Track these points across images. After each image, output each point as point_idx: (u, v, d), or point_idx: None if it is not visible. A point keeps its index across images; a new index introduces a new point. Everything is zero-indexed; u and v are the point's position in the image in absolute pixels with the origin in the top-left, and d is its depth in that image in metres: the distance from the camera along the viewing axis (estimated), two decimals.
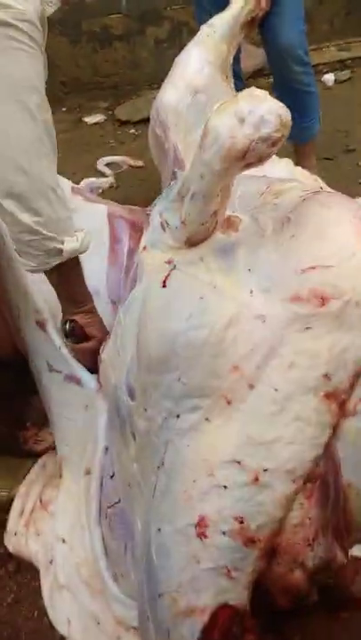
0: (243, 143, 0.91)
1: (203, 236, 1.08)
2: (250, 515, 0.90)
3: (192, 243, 1.09)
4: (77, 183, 3.03)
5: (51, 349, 1.34)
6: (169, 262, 1.09)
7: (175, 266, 1.07)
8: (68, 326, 1.29)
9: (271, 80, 2.43)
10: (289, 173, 1.61)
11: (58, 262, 1.12)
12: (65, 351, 1.33)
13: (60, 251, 1.11)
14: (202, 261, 1.06)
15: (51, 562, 1.33)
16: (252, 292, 1.00)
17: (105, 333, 1.29)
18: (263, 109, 0.92)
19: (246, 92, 0.94)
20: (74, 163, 3.37)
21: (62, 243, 1.10)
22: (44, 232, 1.06)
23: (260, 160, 0.94)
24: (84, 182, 3.04)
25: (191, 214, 1.04)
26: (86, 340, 1.29)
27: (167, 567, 0.93)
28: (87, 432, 1.32)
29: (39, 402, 1.74)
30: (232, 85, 1.81)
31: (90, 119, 3.91)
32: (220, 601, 0.89)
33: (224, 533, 0.90)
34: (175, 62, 1.71)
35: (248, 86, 1.02)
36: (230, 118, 0.92)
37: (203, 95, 1.64)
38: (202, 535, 0.91)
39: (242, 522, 0.90)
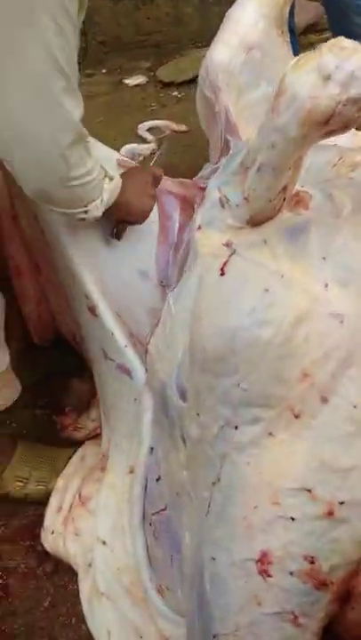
0: (327, 105, 0.75)
1: (268, 214, 0.92)
2: (322, 553, 0.77)
3: (255, 222, 0.93)
4: (118, 149, 2.89)
5: (104, 336, 1.24)
6: (228, 245, 0.94)
7: (235, 250, 0.92)
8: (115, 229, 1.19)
9: (324, 36, 2.23)
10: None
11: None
12: (118, 338, 1.23)
13: (83, 219, 1.04)
14: (266, 245, 0.91)
15: (90, 565, 1.23)
16: (326, 284, 0.84)
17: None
18: (354, 64, 0.74)
19: (332, 42, 0.77)
20: (114, 127, 3.21)
21: (86, 212, 1.02)
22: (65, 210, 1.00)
23: (347, 126, 0.78)
24: (125, 149, 2.89)
25: (257, 189, 0.88)
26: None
27: (223, 605, 0.81)
28: (135, 427, 1.21)
29: (80, 385, 1.64)
30: (288, 40, 1.62)
31: (131, 81, 3.72)
32: None
33: (291, 574, 0.77)
34: (227, 16, 1.53)
35: (300, 42, 0.84)
36: (312, 75, 0.76)
37: (257, 51, 1.46)
38: (264, 573, 0.78)
39: (313, 561, 0.77)
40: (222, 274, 0.89)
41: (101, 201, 1.04)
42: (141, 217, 1.19)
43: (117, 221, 1.18)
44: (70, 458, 1.46)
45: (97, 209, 1.03)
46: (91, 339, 1.32)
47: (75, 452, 1.48)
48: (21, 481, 1.41)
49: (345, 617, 0.79)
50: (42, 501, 1.39)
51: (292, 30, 2.04)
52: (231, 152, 1.09)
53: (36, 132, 0.89)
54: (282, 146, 0.81)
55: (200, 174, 1.54)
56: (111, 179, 1.06)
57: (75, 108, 0.92)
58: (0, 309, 1.29)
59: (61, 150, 0.91)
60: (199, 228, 1.00)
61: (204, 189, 1.29)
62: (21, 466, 1.42)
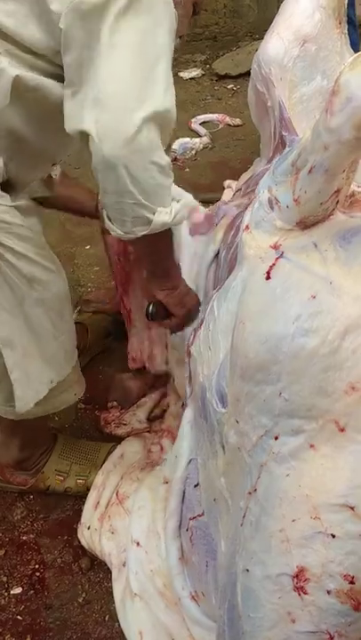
0: None
1: (319, 217, 0.88)
2: None
3: (306, 225, 0.89)
4: (170, 144, 2.87)
5: None
6: (275, 247, 0.90)
7: (283, 253, 0.88)
8: (151, 308, 1.23)
9: None
10: None
11: (144, 232, 1.01)
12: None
13: (149, 221, 0.99)
14: (316, 249, 0.87)
15: (124, 564, 1.23)
16: None
17: (191, 307, 1.24)
18: None
19: None
20: None
21: (153, 213, 0.99)
22: (137, 196, 0.95)
23: None
24: (177, 143, 2.87)
25: (308, 192, 0.84)
26: (169, 317, 1.24)
27: (254, 619, 0.78)
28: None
29: (127, 381, 1.64)
30: (345, 32, 1.55)
31: (186, 74, 3.70)
32: None
33: (329, 592, 0.74)
34: (282, 6, 1.48)
35: None
36: None
37: (312, 45, 1.41)
38: (300, 590, 0.75)
39: (353, 581, 0.73)
40: (268, 278, 0.86)
41: (171, 211, 1.01)
42: (181, 308, 1.22)
43: (155, 303, 1.22)
44: (110, 453, 1.47)
45: (166, 214, 1.00)
46: None
47: (114, 447, 1.49)
48: (61, 475, 1.43)
49: None
50: (81, 495, 1.40)
51: (352, 22, 1.96)
52: (286, 150, 1.05)
53: (124, 93, 0.90)
54: (335, 148, 0.77)
55: (250, 170, 1.50)
56: (178, 201, 1.04)
57: (166, 92, 0.95)
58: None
59: (139, 119, 0.90)
60: (247, 228, 0.96)
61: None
62: (61, 460, 1.44)
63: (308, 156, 0.82)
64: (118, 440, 1.53)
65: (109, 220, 1.02)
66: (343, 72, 0.74)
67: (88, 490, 1.42)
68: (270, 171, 0.94)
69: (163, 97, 0.94)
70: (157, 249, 1.12)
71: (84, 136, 0.93)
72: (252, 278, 0.89)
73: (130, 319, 1.60)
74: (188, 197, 1.13)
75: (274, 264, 0.87)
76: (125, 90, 0.91)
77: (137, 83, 0.91)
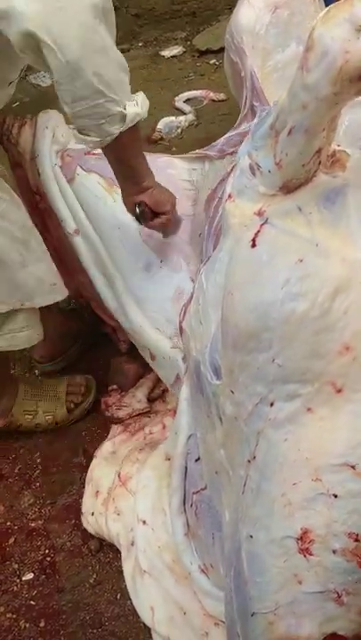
0: (360, 60, 0.68)
1: (302, 179, 0.87)
2: None
3: (289, 188, 0.88)
4: (155, 123, 2.84)
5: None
6: (260, 214, 0.89)
7: (267, 219, 0.87)
8: (138, 209, 1.22)
9: None
10: None
11: (121, 129, 1.04)
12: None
13: (124, 116, 1.02)
14: (300, 212, 0.86)
15: (132, 544, 1.23)
16: None
17: (173, 203, 1.26)
18: None
19: None
20: (152, 101, 3.15)
21: (125, 107, 1.01)
22: (108, 93, 0.97)
23: None
24: (162, 122, 2.84)
25: (289, 154, 0.83)
26: (157, 216, 1.25)
27: (261, 583, 0.78)
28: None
29: (125, 364, 1.64)
30: (322, 4, 1.52)
31: (167, 52, 3.65)
32: (327, 630, 0.74)
33: (334, 552, 0.74)
34: None
35: None
36: (343, 27, 0.69)
37: (284, 10, 1.39)
38: (306, 552, 0.75)
39: (357, 539, 0.73)
40: (253, 245, 0.85)
41: (137, 102, 1.04)
42: (166, 204, 1.23)
43: (141, 203, 1.20)
44: (69, 385, 1.59)
45: (135, 106, 1.03)
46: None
47: (70, 378, 1.61)
48: (30, 414, 1.53)
49: None
50: (51, 429, 1.56)
51: None
52: (258, 116, 1.04)
53: None
54: (313, 106, 0.76)
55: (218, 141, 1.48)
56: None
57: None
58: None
59: (90, 18, 0.92)
60: (230, 197, 0.95)
61: (225, 153, 1.25)
62: (27, 401, 1.53)
63: (287, 116, 0.81)
64: (79, 371, 1.65)
65: (81, 132, 1.04)
66: (316, 26, 0.72)
67: (57, 425, 1.55)
68: (249, 136, 0.93)
69: None
70: (132, 148, 1.12)
71: (35, 47, 0.92)
72: (237, 247, 0.89)
73: (62, 261, 1.59)
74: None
75: (259, 231, 0.86)
76: None
77: None
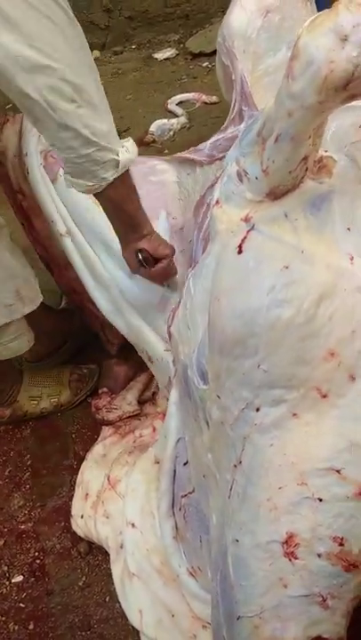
0: (344, 69, 0.69)
1: (289, 186, 0.87)
2: (352, 535, 0.74)
3: (276, 195, 0.89)
4: (148, 126, 2.85)
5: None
6: (246, 220, 0.90)
7: (254, 225, 0.88)
8: (141, 256, 1.20)
9: None
10: None
11: (115, 176, 1.04)
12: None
13: (117, 162, 1.02)
14: (287, 218, 0.87)
15: (121, 547, 1.24)
16: (352, 257, 0.80)
17: (172, 249, 1.24)
18: None
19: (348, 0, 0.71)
20: (144, 103, 3.17)
21: (117, 154, 1.02)
22: (101, 143, 0.98)
23: None
24: (155, 124, 2.84)
25: (276, 161, 0.83)
26: (158, 263, 1.22)
27: (246, 587, 0.79)
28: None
29: (115, 367, 1.65)
30: (314, 9, 1.53)
31: (160, 55, 3.66)
32: (312, 633, 0.75)
33: (320, 556, 0.75)
34: None
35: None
36: (327, 36, 0.70)
37: (275, 15, 1.40)
38: (291, 555, 0.76)
39: (342, 543, 0.74)
40: (240, 251, 0.85)
41: (127, 148, 1.04)
42: (165, 248, 1.21)
43: (142, 250, 1.19)
44: (72, 373, 1.63)
45: (126, 152, 1.03)
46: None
47: (75, 367, 1.65)
48: (35, 399, 1.58)
49: None
50: (56, 412, 1.61)
51: None
52: (245, 122, 1.04)
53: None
54: (299, 114, 0.76)
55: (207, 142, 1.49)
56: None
57: None
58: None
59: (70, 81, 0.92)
60: (217, 203, 0.96)
61: (215, 158, 1.26)
62: (31, 387, 1.58)
63: (273, 124, 0.81)
64: (82, 361, 1.69)
65: (74, 177, 1.04)
66: (301, 35, 0.73)
67: (62, 407, 1.60)
68: (236, 143, 0.93)
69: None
70: (128, 195, 1.12)
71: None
72: (224, 253, 0.89)
73: (52, 260, 1.59)
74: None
75: (245, 237, 0.87)
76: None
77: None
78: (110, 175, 1.03)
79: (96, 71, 0.99)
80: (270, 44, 1.36)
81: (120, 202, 1.12)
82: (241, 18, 1.34)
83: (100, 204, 1.13)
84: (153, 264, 1.21)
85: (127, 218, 1.16)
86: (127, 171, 1.07)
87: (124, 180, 1.07)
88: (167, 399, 1.47)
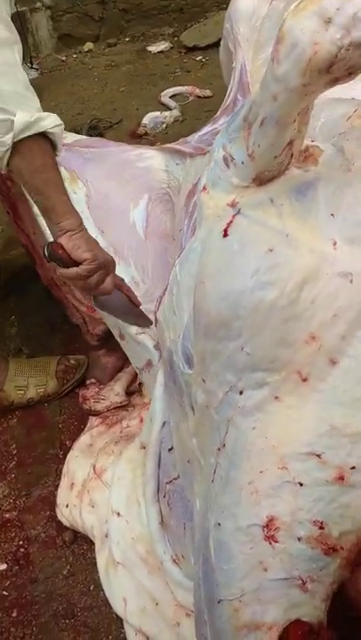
0: (328, 51, 0.69)
1: (275, 171, 0.87)
2: (332, 519, 0.74)
3: (261, 180, 0.89)
4: (140, 118, 2.84)
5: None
6: (232, 205, 0.90)
7: (239, 210, 0.88)
8: (46, 250, 1.08)
9: None
10: None
11: (11, 139, 0.99)
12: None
13: (11, 123, 0.98)
14: (272, 204, 0.86)
15: (106, 536, 1.24)
16: (335, 242, 0.80)
17: (98, 258, 1.08)
18: (356, 5, 0.68)
19: None
20: (137, 96, 3.16)
21: (13, 114, 0.98)
22: None
23: (351, 73, 0.71)
24: (148, 117, 2.84)
25: (261, 145, 0.83)
26: (75, 264, 1.08)
27: (227, 570, 0.79)
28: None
29: (103, 358, 1.64)
30: None
31: (154, 48, 3.66)
32: (292, 616, 0.75)
33: (299, 539, 0.75)
34: None
35: None
36: (311, 19, 0.69)
37: (280, 2, 1.39)
38: (271, 539, 0.76)
39: (322, 527, 0.74)
40: (225, 235, 0.85)
41: (32, 116, 1.00)
42: (84, 252, 1.07)
43: (50, 245, 1.08)
44: (59, 364, 1.62)
45: (27, 115, 1.00)
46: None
47: (63, 358, 1.64)
48: (21, 389, 1.58)
49: (356, 582, 0.76)
50: (42, 402, 1.60)
51: None
52: (237, 106, 1.04)
53: None
54: (283, 97, 0.76)
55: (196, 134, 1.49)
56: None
57: None
58: None
59: None
60: (204, 189, 0.96)
61: (205, 151, 1.25)
62: (17, 377, 1.58)
63: (259, 108, 0.81)
64: (70, 352, 1.67)
65: None
66: (286, 18, 0.73)
67: (49, 397, 1.60)
68: (224, 129, 0.93)
69: None
70: (45, 176, 1.05)
71: None
72: (210, 237, 0.89)
73: (35, 250, 1.58)
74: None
75: (231, 221, 0.87)
76: None
77: None
78: (7, 140, 0.99)
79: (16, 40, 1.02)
80: (272, 33, 1.35)
81: (29, 177, 1.04)
82: (248, 3, 1.35)
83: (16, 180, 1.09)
84: (67, 264, 1.07)
85: (45, 201, 1.06)
86: (43, 142, 1.03)
87: (36, 150, 1.02)
88: (146, 383, 1.47)
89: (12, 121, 0.98)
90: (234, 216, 0.87)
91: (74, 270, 1.08)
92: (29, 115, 1.00)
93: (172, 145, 1.47)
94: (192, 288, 0.93)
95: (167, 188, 1.46)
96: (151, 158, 1.44)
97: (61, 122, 1.08)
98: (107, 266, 1.11)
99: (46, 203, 1.07)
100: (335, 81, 0.74)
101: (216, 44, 3.04)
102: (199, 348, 0.89)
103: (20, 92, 1.01)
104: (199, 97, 3.04)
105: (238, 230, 0.85)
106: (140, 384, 1.57)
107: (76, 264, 1.07)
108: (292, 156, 0.88)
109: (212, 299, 0.84)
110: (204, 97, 3.03)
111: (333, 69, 0.71)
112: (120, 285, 1.19)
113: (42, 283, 1.75)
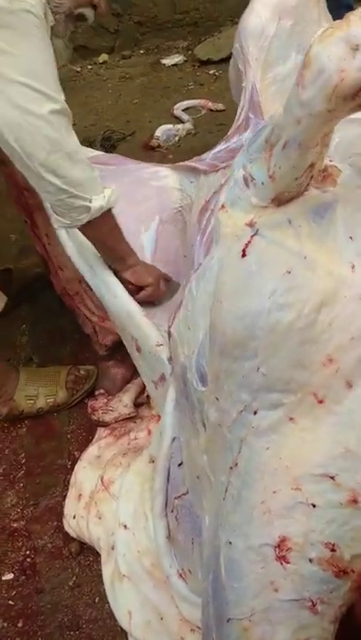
0: (355, 79, 0.69)
1: (294, 193, 0.88)
2: (344, 542, 0.74)
3: (280, 201, 0.90)
4: (153, 131, 2.86)
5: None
6: (251, 225, 0.91)
7: (258, 230, 0.88)
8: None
9: None
10: None
11: (87, 219, 1.20)
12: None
13: (88, 208, 1.18)
14: (290, 225, 0.87)
15: (112, 548, 1.24)
16: (353, 266, 0.81)
17: (157, 276, 1.39)
18: None
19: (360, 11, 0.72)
20: (151, 109, 3.19)
21: (90, 201, 1.18)
22: (72, 191, 1.14)
23: None
24: (160, 129, 2.86)
25: (283, 167, 0.84)
26: (141, 289, 1.38)
27: (238, 589, 0.79)
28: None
29: (111, 368, 1.65)
30: (324, 6, 1.55)
31: (168, 61, 3.68)
32: (301, 637, 0.75)
33: (311, 561, 0.75)
34: None
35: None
36: (339, 45, 0.71)
37: (287, 20, 1.41)
38: (282, 559, 0.76)
39: (333, 549, 0.74)
40: (244, 255, 0.86)
41: (104, 197, 1.19)
42: (147, 278, 1.37)
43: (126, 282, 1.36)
44: (69, 374, 1.64)
45: (102, 199, 1.19)
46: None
47: (73, 368, 1.65)
48: (31, 399, 1.59)
49: None
50: (52, 411, 1.62)
51: None
52: (250, 129, 1.05)
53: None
54: (307, 121, 0.77)
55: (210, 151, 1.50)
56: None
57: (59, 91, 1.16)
58: None
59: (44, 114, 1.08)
60: (223, 207, 0.97)
61: (218, 168, 1.26)
62: (28, 387, 1.60)
63: (282, 131, 0.82)
64: (80, 362, 1.69)
65: (55, 213, 1.21)
66: (313, 44, 0.74)
67: (59, 407, 1.61)
68: (244, 148, 0.94)
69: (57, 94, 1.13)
70: (108, 233, 1.29)
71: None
72: (228, 257, 0.90)
73: (50, 259, 1.60)
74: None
75: (249, 241, 0.87)
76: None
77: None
78: (84, 218, 1.19)
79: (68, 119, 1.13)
80: (280, 52, 1.37)
81: (100, 239, 1.30)
82: (256, 22, 1.36)
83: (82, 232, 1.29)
84: (137, 292, 1.37)
85: (109, 252, 1.34)
86: (109, 212, 1.23)
87: (104, 220, 1.23)
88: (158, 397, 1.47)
89: (89, 207, 1.18)
90: (252, 236, 0.88)
91: (143, 294, 1.38)
92: (103, 199, 1.19)
93: (187, 162, 1.48)
94: (208, 306, 0.94)
95: (180, 208, 1.47)
96: (166, 177, 1.46)
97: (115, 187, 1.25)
98: (159, 277, 1.41)
99: (113, 254, 1.35)
100: (359, 107, 0.75)
101: (229, 58, 3.08)
102: (214, 366, 0.89)
103: (91, 177, 1.18)
104: (212, 110, 3.06)
105: (257, 251, 0.86)
106: (147, 396, 1.58)
107: (142, 289, 1.38)
108: (312, 177, 0.89)
109: (229, 318, 0.84)
110: (217, 110, 3.05)
111: (359, 96, 0.72)
112: None
113: (53, 292, 1.76)
